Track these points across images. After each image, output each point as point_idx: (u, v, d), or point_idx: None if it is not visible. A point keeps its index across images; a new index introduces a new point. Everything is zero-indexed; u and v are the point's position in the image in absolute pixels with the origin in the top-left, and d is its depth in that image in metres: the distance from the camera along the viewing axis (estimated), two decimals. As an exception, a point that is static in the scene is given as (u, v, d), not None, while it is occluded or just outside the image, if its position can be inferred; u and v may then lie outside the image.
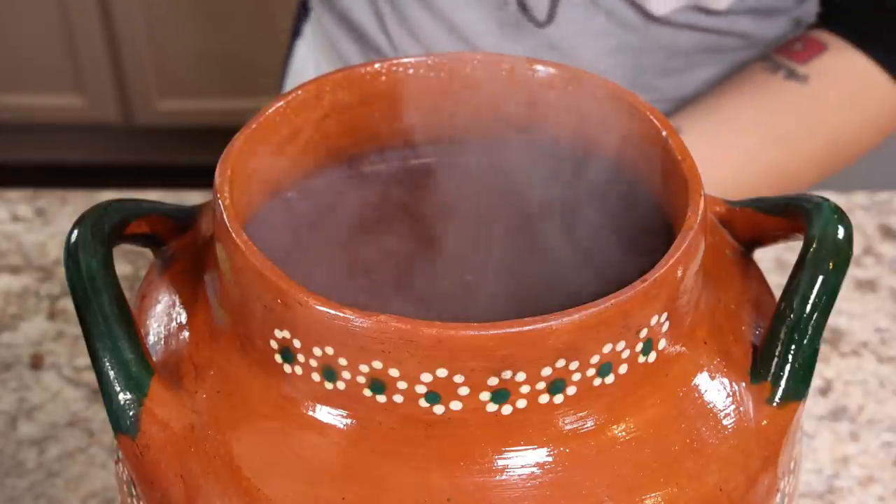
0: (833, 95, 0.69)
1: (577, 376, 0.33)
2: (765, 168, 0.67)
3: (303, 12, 0.84)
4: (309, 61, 0.83)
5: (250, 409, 0.35)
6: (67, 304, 0.66)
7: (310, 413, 0.34)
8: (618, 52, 0.71)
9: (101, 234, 0.36)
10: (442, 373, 0.32)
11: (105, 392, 0.35)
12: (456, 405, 0.33)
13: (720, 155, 0.66)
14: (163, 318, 0.38)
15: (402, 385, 0.33)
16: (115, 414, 0.35)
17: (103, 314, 0.35)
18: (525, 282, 0.48)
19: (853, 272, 0.70)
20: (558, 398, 0.33)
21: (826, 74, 0.69)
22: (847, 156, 0.71)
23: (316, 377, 0.34)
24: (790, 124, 0.69)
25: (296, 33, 0.85)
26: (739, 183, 0.66)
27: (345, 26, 0.78)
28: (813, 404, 0.62)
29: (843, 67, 0.69)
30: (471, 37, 0.71)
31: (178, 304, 0.38)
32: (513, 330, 0.32)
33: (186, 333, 0.37)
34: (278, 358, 0.34)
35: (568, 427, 0.34)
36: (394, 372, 0.32)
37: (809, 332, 0.36)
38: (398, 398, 0.33)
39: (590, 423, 0.34)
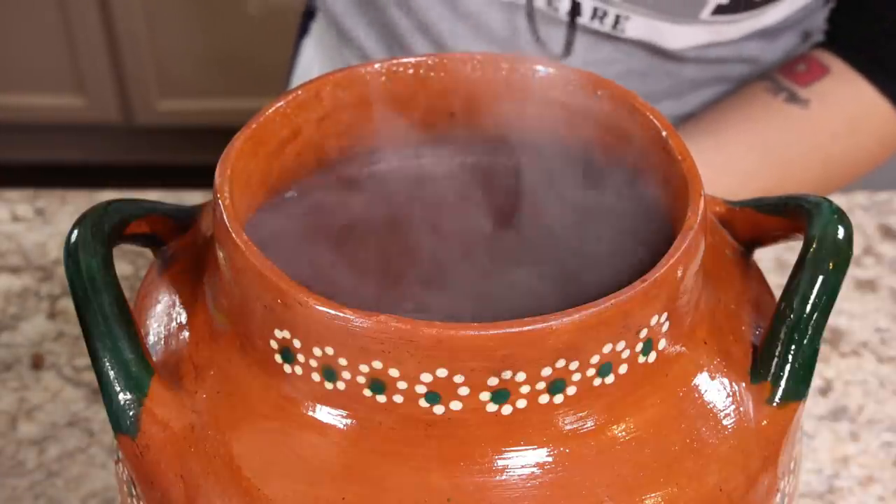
0: (832, 121, 0.69)
1: (577, 376, 0.33)
2: (761, 191, 0.67)
3: (310, 11, 0.84)
4: (315, 62, 0.83)
5: (250, 409, 0.35)
6: (67, 304, 0.66)
7: (310, 413, 0.34)
8: (624, 78, 0.71)
9: (101, 234, 0.36)
10: (442, 373, 0.32)
11: (105, 392, 0.35)
12: (456, 405, 0.33)
13: (717, 177, 0.66)
14: (163, 318, 0.38)
15: (402, 385, 0.33)
16: (115, 414, 0.35)
17: (103, 314, 0.35)
18: (525, 281, 0.48)
19: (853, 272, 0.70)
20: (558, 398, 0.33)
21: (827, 99, 0.69)
22: (843, 180, 0.71)
23: (316, 377, 0.34)
24: (788, 149, 0.69)
25: (303, 31, 0.85)
26: None
27: (348, 45, 0.78)
28: (813, 404, 0.62)
29: (845, 92, 0.69)
30: None
31: (178, 304, 0.38)
32: (513, 330, 0.32)
33: (186, 333, 0.37)
34: (278, 358, 0.34)
35: (568, 427, 0.34)
36: (394, 372, 0.32)
37: (809, 332, 0.36)
38: (398, 398, 0.33)
39: (590, 423, 0.34)
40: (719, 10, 0.66)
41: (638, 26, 0.67)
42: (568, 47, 0.67)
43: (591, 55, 0.69)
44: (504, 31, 0.69)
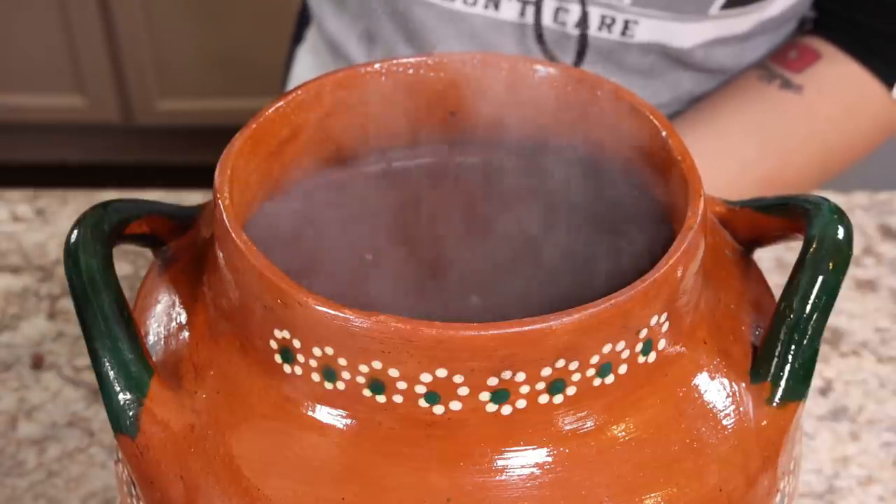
0: (828, 106, 0.69)
1: (576, 376, 0.33)
2: (759, 179, 0.67)
3: (304, 18, 0.84)
4: (310, 71, 0.82)
5: (250, 409, 0.35)
6: (67, 304, 0.66)
7: (310, 413, 0.34)
8: None
9: (101, 234, 0.36)
10: (442, 373, 0.32)
11: (105, 392, 0.35)
12: (456, 405, 0.33)
13: (715, 166, 0.66)
14: (163, 318, 0.38)
15: (401, 385, 0.33)
16: (114, 414, 0.35)
17: (103, 314, 0.35)
18: (525, 281, 0.48)
19: (853, 272, 0.70)
20: (558, 398, 0.33)
21: (820, 84, 0.69)
22: (841, 164, 0.71)
23: (316, 377, 0.34)
24: (784, 135, 0.69)
25: (297, 38, 0.84)
26: (734, 194, 0.66)
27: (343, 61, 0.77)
28: (813, 404, 0.62)
29: (837, 77, 0.69)
30: None
31: (178, 304, 0.38)
32: (512, 330, 0.32)
33: (186, 333, 0.37)
34: (278, 358, 0.34)
35: (568, 427, 0.34)
36: (393, 372, 0.32)
37: (809, 332, 0.36)
38: (398, 398, 0.33)
39: (590, 424, 0.34)
40: (728, 4, 0.66)
41: (647, 29, 0.67)
42: (579, 58, 0.66)
43: (589, 67, 0.69)
44: (513, 53, 0.69)
